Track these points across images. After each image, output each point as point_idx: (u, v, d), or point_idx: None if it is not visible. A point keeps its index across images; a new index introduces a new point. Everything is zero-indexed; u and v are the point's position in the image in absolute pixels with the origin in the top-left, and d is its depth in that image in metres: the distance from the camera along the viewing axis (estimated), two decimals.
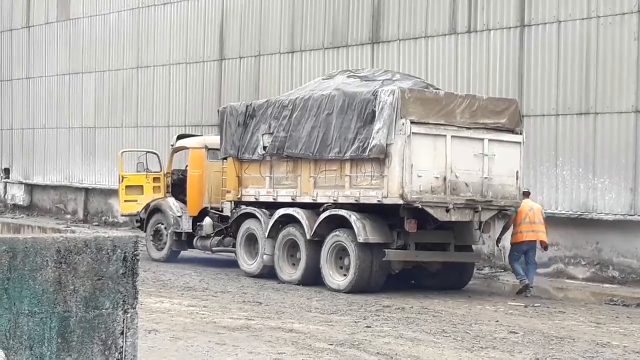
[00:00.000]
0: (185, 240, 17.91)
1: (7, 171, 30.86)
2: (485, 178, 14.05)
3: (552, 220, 16.55)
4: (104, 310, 4.77)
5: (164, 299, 12.37)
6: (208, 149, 17.85)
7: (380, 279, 14.30)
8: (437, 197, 13.63)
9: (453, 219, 13.88)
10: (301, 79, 20.68)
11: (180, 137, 19.22)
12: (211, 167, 17.68)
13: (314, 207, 14.93)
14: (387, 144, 13.50)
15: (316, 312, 11.80)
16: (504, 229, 15.19)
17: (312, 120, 14.81)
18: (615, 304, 13.91)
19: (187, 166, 18.50)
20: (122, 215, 21.24)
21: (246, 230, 16.11)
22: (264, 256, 15.55)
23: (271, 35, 21.91)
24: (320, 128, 14.63)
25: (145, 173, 18.93)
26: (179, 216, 17.90)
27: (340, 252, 14.42)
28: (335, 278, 14.39)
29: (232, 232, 16.67)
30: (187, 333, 9.67)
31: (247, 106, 16.29)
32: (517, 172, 14.39)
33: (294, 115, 15.15)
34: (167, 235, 18.02)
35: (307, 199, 14.98)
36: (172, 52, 24.60)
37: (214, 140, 17.76)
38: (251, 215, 16.03)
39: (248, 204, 16.23)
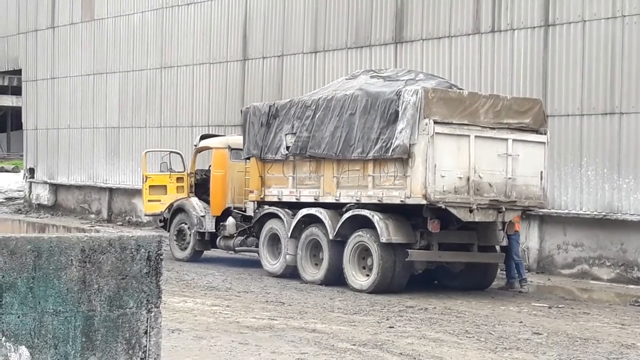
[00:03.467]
0: (208, 240, 17.95)
1: (32, 171, 31.07)
2: (509, 178, 13.98)
3: (576, 221, 16.47)
4: (127, 310, 4.78)
5: (187, 299, 12.41)
6: (231, 149, 17.88)
7: (403, 279, 14.26)
8: (461, 198, 13.59)
9: (476, 219, 13.83)
10: (324, 79, 20.67)
11: (203, 137, 19.27)
12: (234, 167, 17.72)
13: (336, 207, 14.92)
14: (410, 144, 13.47)
15: (339, 312, 11.79)
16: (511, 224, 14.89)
17: (335, 120, 14.80)
18: None
19: (210, 166, 18.55)
20: (146, 215, 21.32)
21: (269, 230, 16.13)
22: (287, 256, 15.56)
23: (294, 35, 21.92)
24: (343, 128, 14.62)
25: (168, 173, 19.00)
26: (202, 216, 17.94)
27: (363, 252, 14.40)
28: (358, 278, 14.37)
29: (255, 232, 16.69)
30: (210, 332, 9.69)
31: (270, 106, 16.31)
32: (541, 172, 14.31)
33: (317, 116, 15.15)
34: (190, 235, 18.08)
35: (330, 199, 14.98)
36: (196, 53, 24.67)
37: (237, 140, 17.79)
38: (274, 215, 16.04)
39: (271, 204, 16.24)
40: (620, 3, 15.85)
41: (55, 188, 30.16)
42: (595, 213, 16.11)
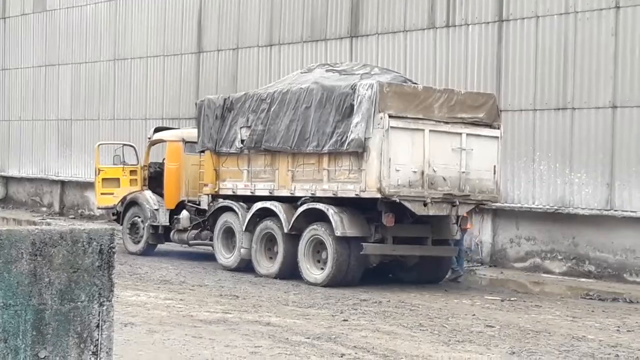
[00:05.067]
0: (162, 233, 17.84)
1: None
2: (463, 172, 14.07)
3: (529, 215, 16.64)
4: (79, 303, 4.72)
5: (140, 292, 12.32)
6: (185, 142, 17.78)
7: (358, 273, 14.30)
8: (415, 191, 13.65)
9: (431, 213, 13.90)
10: (280, 72, 20.64)
11: (157, 129, 19.14)
12: (188, 160, 17.62)
13: (291, 201, 14.91)
14: (365, 138, 13.50)
15: (293, 306, 11.79)
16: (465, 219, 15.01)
17: (291, 113, 14.78)
18: (591, 298, 13.99)
19: (164, 159, 18.42)
20: (99, 209, 21.13)
21: (223, 224, 16.07)
22: (242, 250, 15.52)
23: (250, 28, 21.85)
24: (298, 122, 14.60)
25: (122, 166, 18.84)
26: (156, 209, 17.82)
27: (318, 246, 14.41)
28: (312, 272, 14.38)
29: (209, 226, 16.62)
30: (164, 326, 9.63)
31: (225, 99, 16.24)
32: (494, 166, 14.43)
33: (272, 109, 15.12)
34: (143, 228, 17.94)
35: (284, 193, 14.96)
36: (150, 45, 24.48)
37: (191, 133, 17.69)
38: (228, 209, 15.99)
39: (225, 197, 16.18)
40: None
41: (6, 181, 29.76)
42: (547, 207, 16.29)
